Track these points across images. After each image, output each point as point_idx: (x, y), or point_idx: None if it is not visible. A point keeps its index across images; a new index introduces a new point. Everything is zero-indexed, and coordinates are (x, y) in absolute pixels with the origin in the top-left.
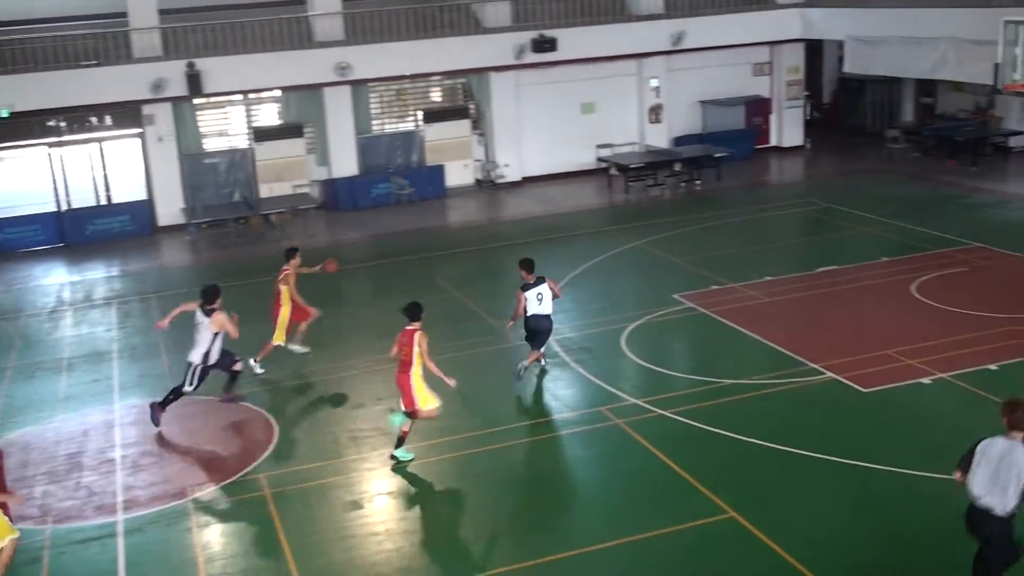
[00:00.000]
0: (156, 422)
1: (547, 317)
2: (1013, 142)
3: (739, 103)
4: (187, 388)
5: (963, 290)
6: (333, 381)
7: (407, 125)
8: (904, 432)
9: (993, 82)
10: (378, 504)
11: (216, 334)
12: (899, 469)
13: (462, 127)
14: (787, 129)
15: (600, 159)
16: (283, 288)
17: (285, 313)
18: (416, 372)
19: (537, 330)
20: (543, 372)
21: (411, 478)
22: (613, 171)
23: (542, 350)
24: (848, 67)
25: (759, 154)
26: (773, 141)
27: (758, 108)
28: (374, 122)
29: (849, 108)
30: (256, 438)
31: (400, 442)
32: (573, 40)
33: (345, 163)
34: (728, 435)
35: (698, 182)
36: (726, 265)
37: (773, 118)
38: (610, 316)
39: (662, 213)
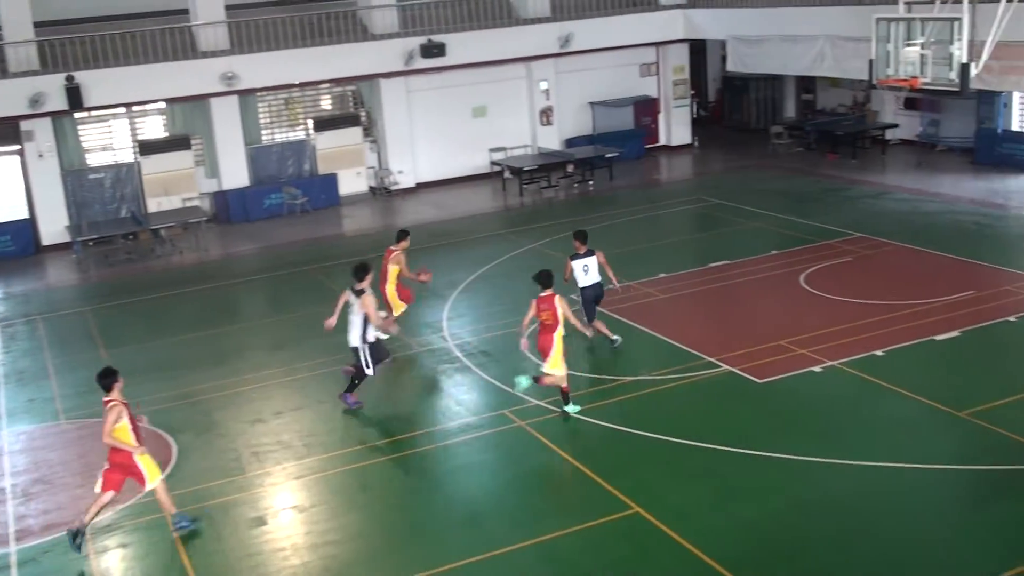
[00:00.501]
0: (353, 403)
1: (593, 287)
2: (889, 134)
3: (628, 103)
4: (369, 372)
5: (849, 279)
6: (230, 396)
7: (298, 134)
8: (799, 420)
9: (868, 77)
10: (283, 519)
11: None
12: (796, 456)
13: (354, 134)
14: (675, 128)
15: (493, 162)
16: (391, 268)
17: (390, 290)
18: (559, 333)
19: (585, 299)
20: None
21: (314, 492)
22: (507, 174)
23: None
24: (731, 66)
25: (649, 153)
26: (662, 140)
27: (646, 108)
28: (264, 132)
29: (734, 106)
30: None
31: (566, 398)
32: (462, 45)
33: (235, 174)
34: (630, 431)
35: (591, 182)
36: (622, 263)
37: (661, 117)
38: (509, 319)
39: (557, 214)
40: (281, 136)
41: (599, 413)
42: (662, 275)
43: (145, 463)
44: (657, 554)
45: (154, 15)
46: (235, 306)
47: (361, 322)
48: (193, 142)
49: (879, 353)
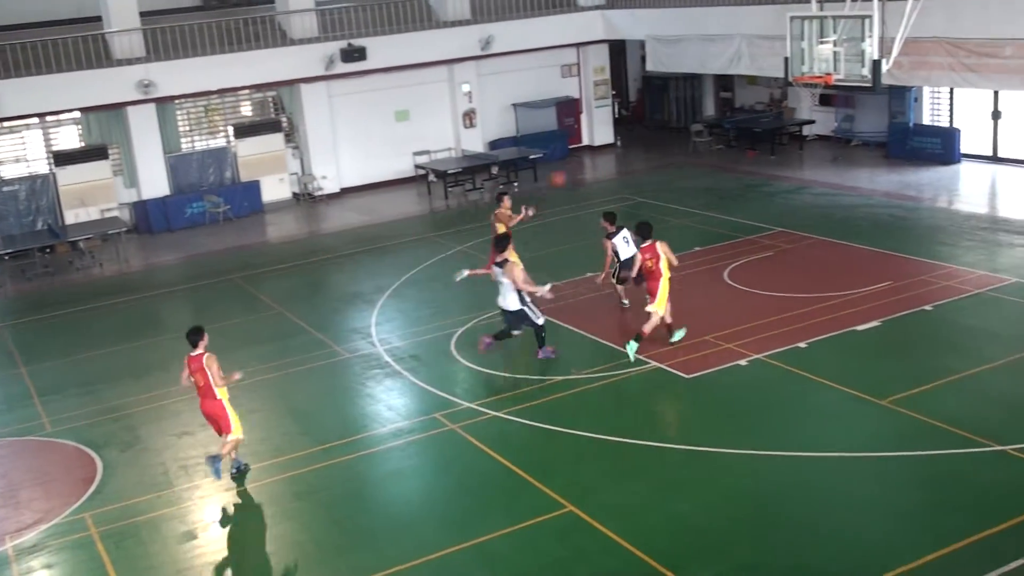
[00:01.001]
0: (551, 353)
1: (632, 258)
2: (806, 131)
3: (550, 104)
4: (540, 321)
5: (771, 274)
6: (156, 410)
7: (218, 141)
8: (728, 413)
9: (784, 75)
10: (214, 533)
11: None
12: (726, 449)
13: (275, 141)
14: (597, 128)
15: (417, 166)
16: (498, 227)
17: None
18: (665, 278)
19: (622, 268)
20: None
21: (246, 503)
22: (431, 177)
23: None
24: (650, 65)
25: (573, 153)
26: (585, 140)
27: (569, 108)
28: (183, 140)
29: (654, 105)
30: (78, 476)
31: (671, 331)
32: (382, 48)
33: (155, 184)
34: (561, 430)
35: (516, 184)
36: (548, 264)
37: (584, 118)
38: (438, 322)
39: (482, 217)
40: (201, 144)
41: (530, 413)
42: (589, 274)
43: (233, 413)
44: (592, 552)
45: (66, 23)
46: (159, 318)
47: (514, 289)
48: (111, 152)
49: (802, 345)
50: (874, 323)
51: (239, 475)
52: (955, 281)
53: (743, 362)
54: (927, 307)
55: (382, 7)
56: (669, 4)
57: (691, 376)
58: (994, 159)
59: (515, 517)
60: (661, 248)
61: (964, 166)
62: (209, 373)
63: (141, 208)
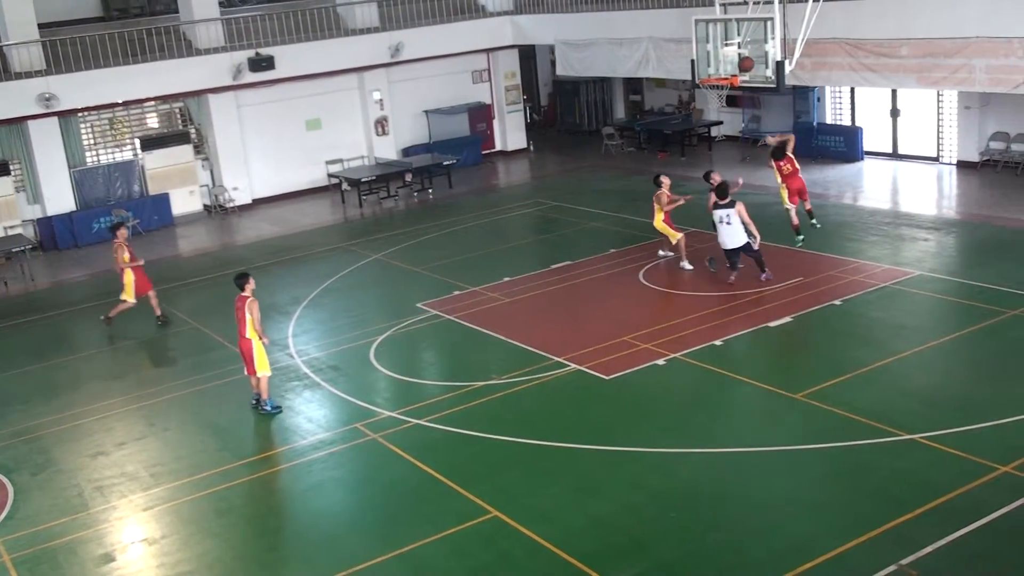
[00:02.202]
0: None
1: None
2: (715, 131)
3: (462, 110)
4: (756, 246)
5: (685, 273)
6: (68, 430)
7: (125, 154)
8: (648, 413)
9: (691, 77)
10: (132, 554)
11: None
12: (648, 448)
13: (184, 152)
14: (510, 133)
15: (331, 175)
16: (657, 208)
17: (658, 221)
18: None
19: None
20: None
21: (166, 522)
22: (345, 186)
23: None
24: (560, 70)
25: (486, 159)
26: (498, 146)
27: (481, 114)
28: (88, 153)
29: (566, 109)
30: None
31: (797, 231)
32: (291, 57)
33: (60, 199)
34: (484, 436)
35: (430, 191)
36: (465, 270)
37: (496, 123)
38: (356, 332)
39: (398, 224)
40: (107, 157)
41: (451, 420)
42: (506, 279)
43: (260, 353)
44: (518, 556)
45: None
46: (68, 336)
47: (741, 226)
48: (12, 167)
49: (718, 343)
50: (786, 319)
51: (272, 412)
52: (862, 276)
53: (661, 362)
54: (836, 302)
55: (290, 15)
56: (576, 8)
57: (610, 377)
58: (894, 156)
59: (440, 524)
60: (792, 158)
61: (867, 163)
62: (248, 316)
63: (46, 224)
